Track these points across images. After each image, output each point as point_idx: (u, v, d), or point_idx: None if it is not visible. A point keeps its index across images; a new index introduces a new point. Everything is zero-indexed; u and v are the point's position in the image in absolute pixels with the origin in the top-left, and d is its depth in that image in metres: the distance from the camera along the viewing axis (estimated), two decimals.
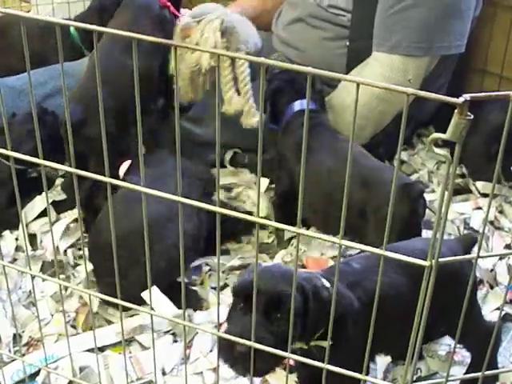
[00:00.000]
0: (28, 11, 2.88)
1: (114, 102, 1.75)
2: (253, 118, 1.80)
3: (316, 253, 1.83)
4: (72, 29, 2.27)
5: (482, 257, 0.92)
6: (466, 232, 1.91)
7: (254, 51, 1.84)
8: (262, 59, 0.80)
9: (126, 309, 1.47)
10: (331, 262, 1.78)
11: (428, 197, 2.02)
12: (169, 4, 1.96)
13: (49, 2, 2.71)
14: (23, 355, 1.48)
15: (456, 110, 0.75)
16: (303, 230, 0.91)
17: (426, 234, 1.84)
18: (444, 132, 0.76)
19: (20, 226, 1.84)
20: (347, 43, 2.11)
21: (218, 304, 1.04)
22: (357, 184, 1.65)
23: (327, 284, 1.18)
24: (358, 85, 0.78)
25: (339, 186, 1.65)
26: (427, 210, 1.97)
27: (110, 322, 1.61)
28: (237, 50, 1.78)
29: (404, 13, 1.91)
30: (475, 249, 1.80)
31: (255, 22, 2.48)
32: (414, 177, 2.12)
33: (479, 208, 2.02)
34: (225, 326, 1.16)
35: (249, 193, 2.06)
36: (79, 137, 1.67)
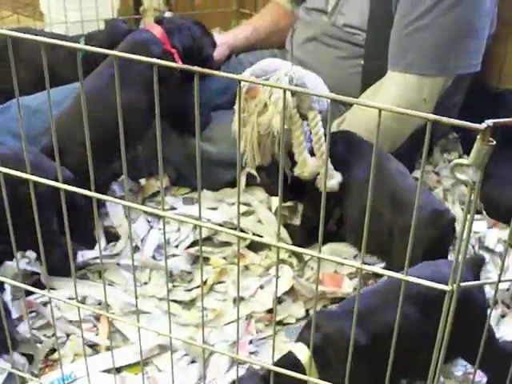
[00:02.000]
0: (42, 29, 2.91)
1: (94, 134, 1.67)
2: (331, 180, 1.72)
3: (331, 268, 1.82)
4: (82, 44, 2.28)
5: (503, 281, 0.92)
6: (481, 252, 1.91)
7: (327, 108, 1.71)
8: (284, 85, 0.81)
9: None
10: (346, 279, 1.78)
11: None
12: (174, 51, 1.95)
13: (63, 20, 2.73)
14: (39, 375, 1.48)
15: (478, 136, 0.75)
16: (323, 255, 0.91)
17: None
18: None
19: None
20: (362, 62, 2.11)
21: (238, 325, 1.04)
22: (389, 203, 1.65)
23: None
24: (380, 111, 0.79)
25: (376, 203, 1.66)
26: None
27: (126, 340, 1.61)
28: (309, 108, 1.66)
29: (419, 33, 1.91)
30: (490, 274, 1.80)
31: (267, 42, 2.50)
32: None
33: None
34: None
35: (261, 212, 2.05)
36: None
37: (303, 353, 1.21)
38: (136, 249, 1.88)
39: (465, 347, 1.24)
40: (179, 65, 0.89)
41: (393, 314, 0.93)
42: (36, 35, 0.92)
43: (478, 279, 1.40)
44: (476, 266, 1.41)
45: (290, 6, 2.50)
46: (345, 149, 1.79)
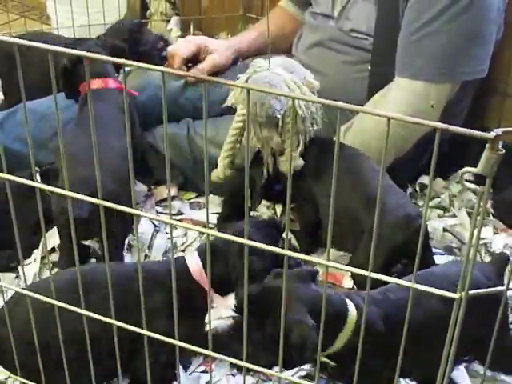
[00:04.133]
0: (58, 35, 2.91)
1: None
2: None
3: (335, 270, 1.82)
4: None
5: (511, 289, 0.91)
6: (487, 257, 1.90)
7: (268, 118, 1.59)
8: (292, 94, 0.81)
9: None
10: (347, 277, 1.78)
11: (449, 221, 2.02)
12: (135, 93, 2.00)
13: (69, 24, 2.73)
14: None
15: (487, 145, 0.75)
16: (332, 263, 0.90)
17: (448, 259, 1.84)
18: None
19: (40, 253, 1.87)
20: (369, 67, 2.11)
21: (245, 330, 1.04)
22: (363, 203, 1.67)
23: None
24: (388, 119, 0.78)
25: (350, 202, 1.66)
26: (449, 234, 1.97)
27: None
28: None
29: (426, 39, 1.91)
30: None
31: (273, 46, 2.50)
32: (435, 201, 2.11)
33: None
34: None
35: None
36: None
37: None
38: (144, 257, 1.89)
39: (480, 348, 1.23)
40: (188, 73, 0.89)
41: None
42: (53, 40, 0.91)
43: (502, 276, 1.39)
44: (501, 263, 1.42)
45: (295, 11, 2.50)
46: (319, 150, 1.81)
